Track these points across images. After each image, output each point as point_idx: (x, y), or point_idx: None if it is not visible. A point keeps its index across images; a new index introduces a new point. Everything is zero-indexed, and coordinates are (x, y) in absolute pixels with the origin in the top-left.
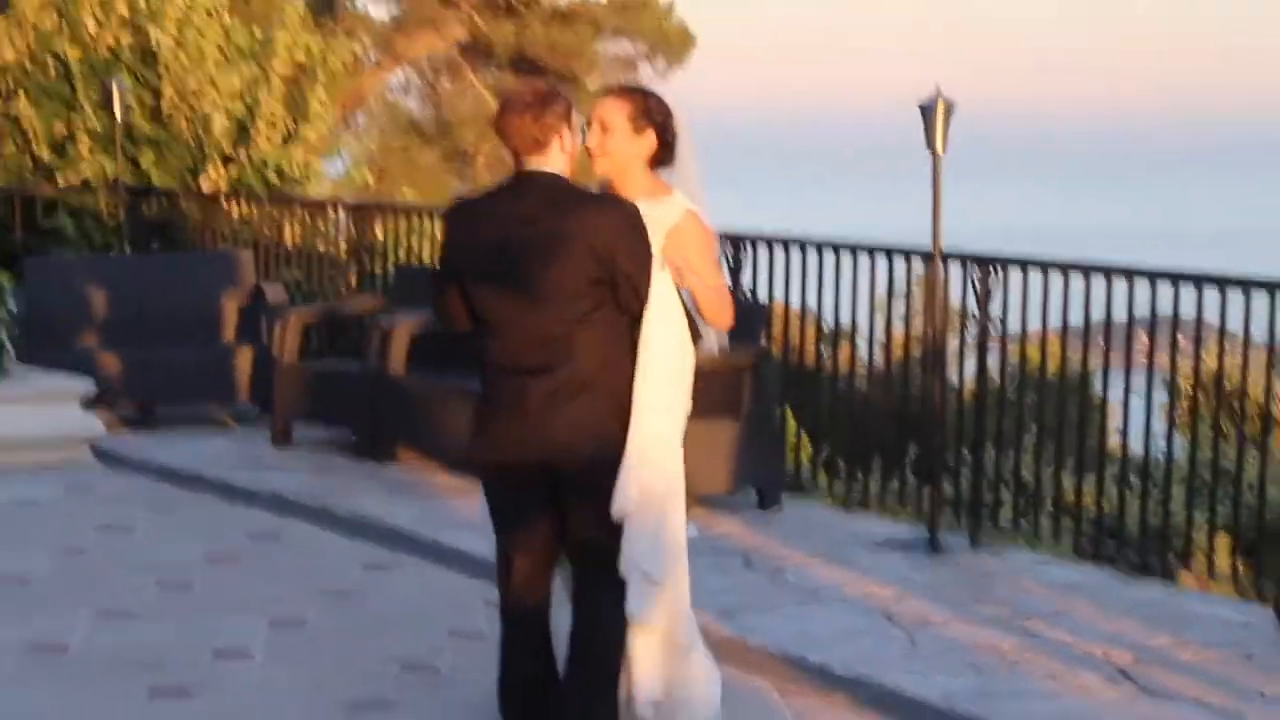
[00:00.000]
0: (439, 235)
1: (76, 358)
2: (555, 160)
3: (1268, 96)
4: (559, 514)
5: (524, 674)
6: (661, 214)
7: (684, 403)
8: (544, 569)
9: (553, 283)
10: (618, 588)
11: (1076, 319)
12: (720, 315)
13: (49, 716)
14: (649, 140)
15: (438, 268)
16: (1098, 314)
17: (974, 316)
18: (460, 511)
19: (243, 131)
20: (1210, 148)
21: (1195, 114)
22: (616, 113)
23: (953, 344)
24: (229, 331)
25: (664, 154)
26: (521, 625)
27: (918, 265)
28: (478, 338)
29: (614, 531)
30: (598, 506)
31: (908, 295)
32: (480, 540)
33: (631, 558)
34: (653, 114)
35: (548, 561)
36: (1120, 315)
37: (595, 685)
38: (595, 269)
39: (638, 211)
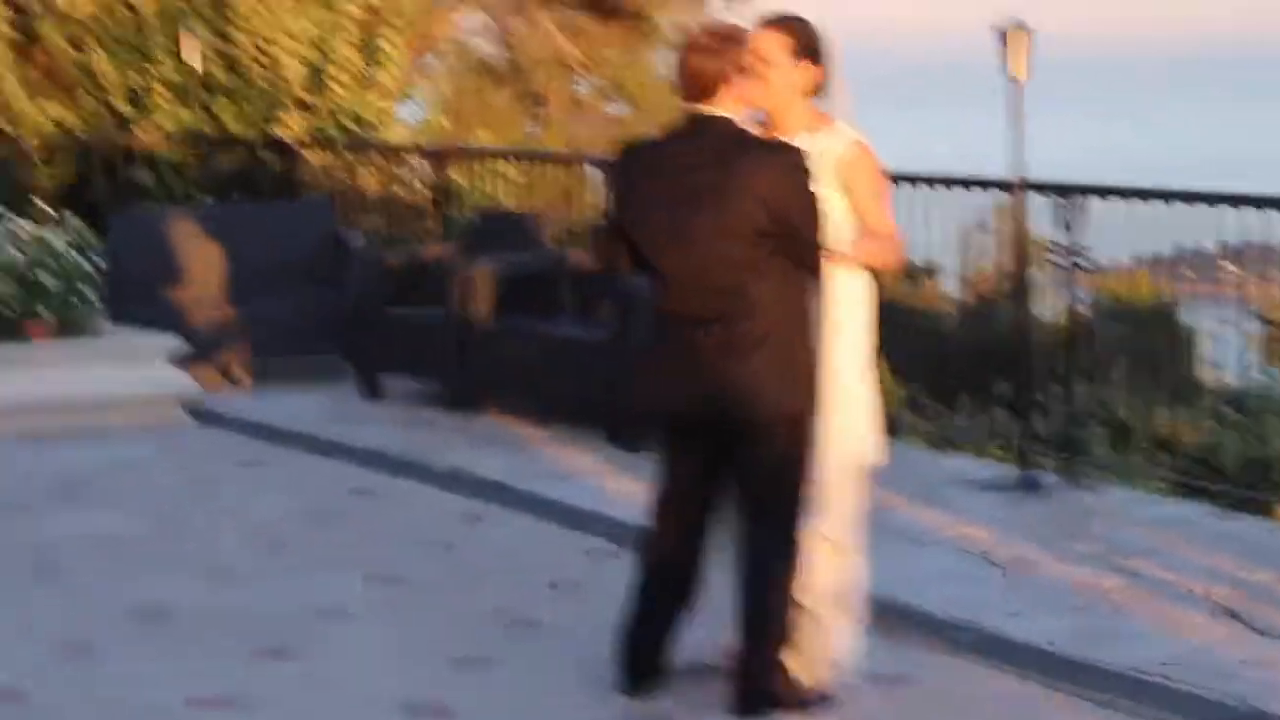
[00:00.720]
0: (608, 179)
1: (164, 313)
2: (728, 105)
3: None
4: (725, 464)
5: (656, 623)
6: (827, 146)
7: (871, 360)
8: (701, 518)
9: (720, 231)
10: (787, 544)
11: (1163, 249)
12: (887, 259)
13: (151, 678)
14: (808, 71)
15: (606, 212)
16: (1187, 243)
17: (1060, 247)
18: (553, 461)
19: (317, 78)
20: None
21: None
22: (775, 45)
23: (1038, 277)
24: (313, 281)
25: (823, 84)
26: (669, 572)
27: (1000, 197)
28: (649, 284)
29: (787, 488)
30: (770, 462)
31: (991, 229)
32: (575, 490)
33: (821, 527)
34: (812, 44)
35: (706, 511)
36: (1207, 243)
37: (762, 641)
38: (764, 219)
39: (804, 160)
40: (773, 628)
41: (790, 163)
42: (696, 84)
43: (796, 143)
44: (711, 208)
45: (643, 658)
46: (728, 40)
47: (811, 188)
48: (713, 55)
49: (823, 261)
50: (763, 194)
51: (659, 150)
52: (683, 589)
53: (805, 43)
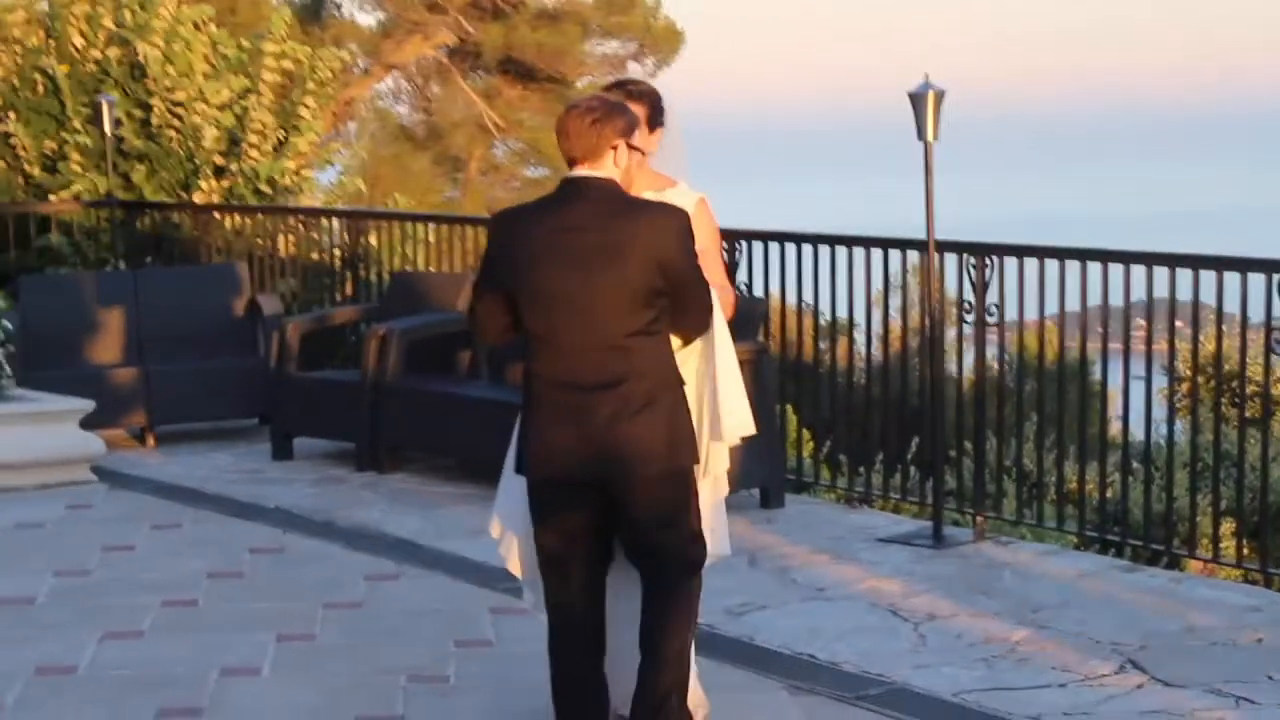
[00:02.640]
0: (484, 241)
1: (74, 376)
2: (608, 172)
3: (1261, 70)
4: (613, 518)
5: (579, 676)
6: (678, 205)
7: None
8: (601, 573)
9: (615, 293)
10: (687, 581)
11: (1073, 305)
12: (728, 310)
13: None
14: (655, 137)
15: (479, 276)
16: (1094, 300)
17: (970, 306)
18: (462, 520)
19: (233, 143)
20: (1203, 126)
21: (1191, 92)
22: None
23: (951, 335)
24: (226, 345)
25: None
26: (579, 629)
27: (913, 256)
28: (522, 349)
29: (678, 533)
30: (662, 510)
31: (904, 287)
32: (483, 549)
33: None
34: (659, 111)
35: (603, 564)
36: (1117, 300)
37: (675, 678)
38: (659, 279)
39: (688, 220)
40: (678, 673)
41: (679, 223)
42: (578, 147)
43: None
44: (605, 270)
45: (578, 708)
46: (613, 111)
47: (693, 247)
48: (594, 119)
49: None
50: (656, 254)
51: (542, 213)
52: (599, 639)
53: (655, 111)
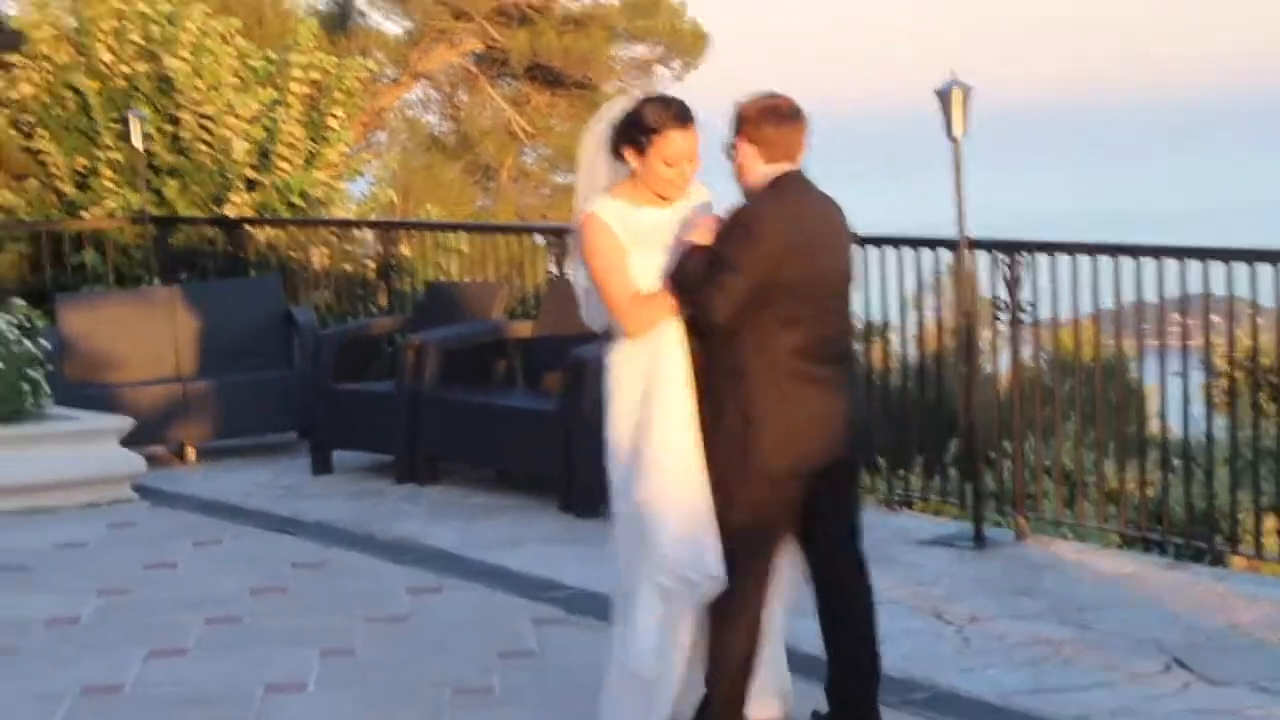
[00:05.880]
0: (757, 234)
1: (113, 394)
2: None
3: None
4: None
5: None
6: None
7: None
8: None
9: (846, 277)
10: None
11: (1107, 302)
12: None
13: None
14: None
15: (745, 261)
16: (1127, 295)
17: (1005, 304)
18: (504, 531)
19: (264, 156)
20: (1241, 116)
21: (1224, 80)
22: None
23: (986, 334)
24: (263, 359)
25: None
26: (765, 633)
27: (945, 256)
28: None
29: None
30: (856, 492)
31: (937, 287)
32: (527, 558)
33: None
34: None
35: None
36: (1151, 296)
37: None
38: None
39: None
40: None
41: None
42: (796, 147)
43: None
44: (839, 255)
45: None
46: None
47: None
48: (802, 121)
49: None
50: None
51: (802, 206)
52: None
53: None
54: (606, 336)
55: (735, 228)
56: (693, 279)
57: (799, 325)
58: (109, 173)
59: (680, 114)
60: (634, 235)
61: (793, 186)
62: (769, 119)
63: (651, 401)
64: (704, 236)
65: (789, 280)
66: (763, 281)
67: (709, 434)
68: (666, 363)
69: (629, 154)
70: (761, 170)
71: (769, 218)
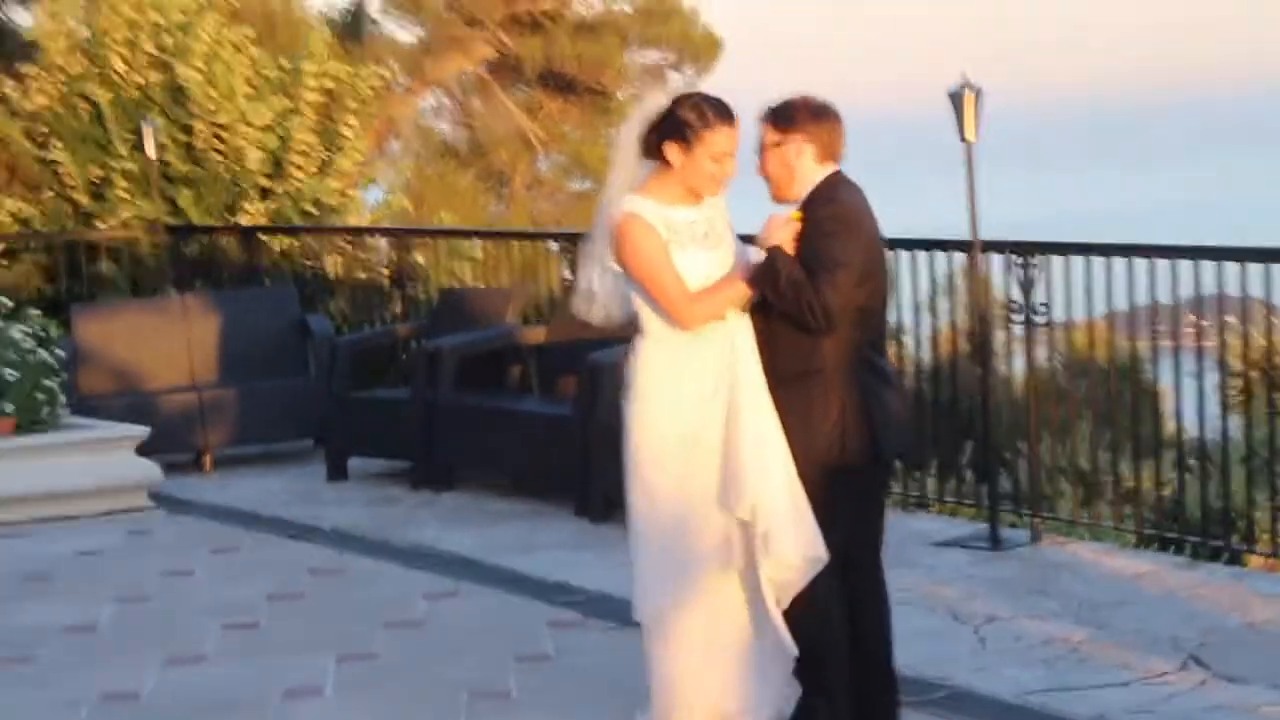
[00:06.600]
0: (856, 229)
1: (129, 403)
2: None
3: None
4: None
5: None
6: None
7: None
8: None
9: (885, 272)
10: None
11: (1121, 303)
12: None
13: None
14: None
15: (847, 263)
16: (1141, 297)
17: (1019, 306)
18: (520, 535)
19: (277, 165)
20: (1249, 118)
21: (1233, 84)
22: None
23: (1001, 336)
24: (278, 367)
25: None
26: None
27: (959, 258)
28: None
29: None
30: None
31: (951, 289)
32: (543, 563)
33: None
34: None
35: None
36: (1165, 297)
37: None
38: None
39: None
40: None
41: None
42: (842, 146)
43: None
44: (882, 251)
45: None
46: None
47: None
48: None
49: None
50: None
51: (861, 200)
52: None
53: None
54: (626, 334)
55: (830, 223)
56: (793, 280)
57: (872, 319)
58: (123, 182)
59: (725, 111)
60: (672, 232)
61: (851, 184)
62: (826, 117)
63: (737, 399)
64: (784, 238)
65: (871, 274)
66: (859, 275)
67: (792, 432)
68: (743, 360)
69: (672, 150)
70: (813, 169)
71: (860, 213)
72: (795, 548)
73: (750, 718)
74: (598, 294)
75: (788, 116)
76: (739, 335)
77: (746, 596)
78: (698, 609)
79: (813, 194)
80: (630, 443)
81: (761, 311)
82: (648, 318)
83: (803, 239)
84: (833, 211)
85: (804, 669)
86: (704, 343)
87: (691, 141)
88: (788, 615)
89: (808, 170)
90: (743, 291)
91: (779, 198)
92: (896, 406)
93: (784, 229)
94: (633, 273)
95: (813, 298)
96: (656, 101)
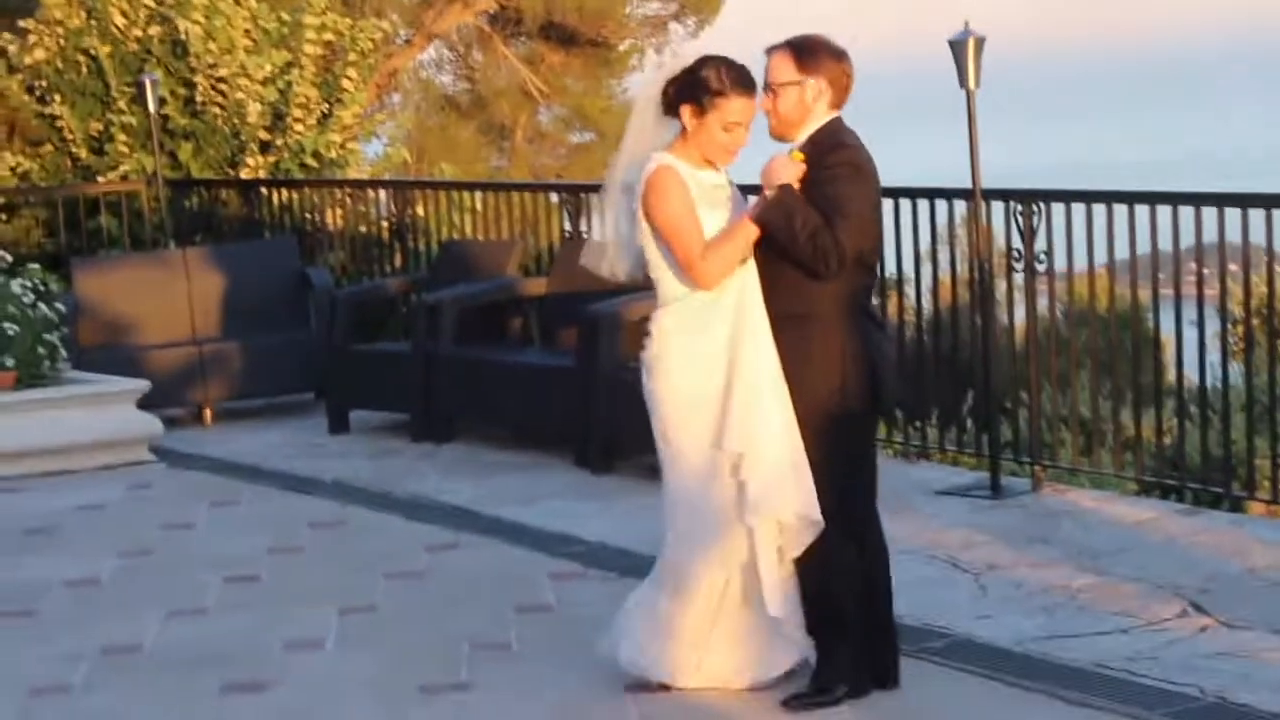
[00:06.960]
0: (865, 173)
1: (129, 357)
2: None
3: None
4: None
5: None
6: None
7: None
8: None
9: None
10: None
11: (1122, 251)
12: None
13: (125, 716)
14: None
15: (862, 208)
16: (1142, 244)
17: (1020, 255)
18: (520, 487)
19: (278, 118)
20: (1248, 62)
21: (1230, 28)
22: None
23: (1002, 285)
24: (279, 320)
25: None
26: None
27: (960, 207)
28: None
29: None
30: None
31: (952, 238)
32: (543, 514)
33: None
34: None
35: None
36: (1166, 244)
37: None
38: None
39: None
40: None
41: None
42: (848, 92)
43: None
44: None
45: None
46: None
47: None
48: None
49: None
50: None
51: (864, 146)
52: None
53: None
54: (637, 288)
55: (843, 167)
56: (809, 224)
57: (870, 267)
58: (123, 137)
59: (745, 80)
60: (702, 192)
61: (851, 130)
62: (844, 61)
63: (739, 350)
64: (791, 177)
65: (876, 221)
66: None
67: (792, 377)
68: (752, 312)
69: (687, 113)
70: (821, 112)
71: (867, 158)
72: (790, 505)
73: (750, 677)
74: (608, 247)
75: (812, 56)
76: (748, 287)
77: (761, 555)
78: (717, 566)
79: (816, 137)
80: (656, 413)
81: (763, 250)
82: (668, 285)
83: (809, 182)
84: (847, 156)
85: (818, 619)
86: (719, 307)
87: (706, 106)
88: (798, 565)
89: (816, 111)
90: (752, 233)
91: (780, 136)
92: (893, 356)
93: (790, 168)
94: (657, 222)
95: (829, 243)
96: (680, 61)
